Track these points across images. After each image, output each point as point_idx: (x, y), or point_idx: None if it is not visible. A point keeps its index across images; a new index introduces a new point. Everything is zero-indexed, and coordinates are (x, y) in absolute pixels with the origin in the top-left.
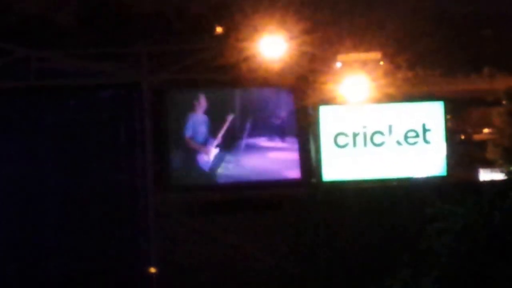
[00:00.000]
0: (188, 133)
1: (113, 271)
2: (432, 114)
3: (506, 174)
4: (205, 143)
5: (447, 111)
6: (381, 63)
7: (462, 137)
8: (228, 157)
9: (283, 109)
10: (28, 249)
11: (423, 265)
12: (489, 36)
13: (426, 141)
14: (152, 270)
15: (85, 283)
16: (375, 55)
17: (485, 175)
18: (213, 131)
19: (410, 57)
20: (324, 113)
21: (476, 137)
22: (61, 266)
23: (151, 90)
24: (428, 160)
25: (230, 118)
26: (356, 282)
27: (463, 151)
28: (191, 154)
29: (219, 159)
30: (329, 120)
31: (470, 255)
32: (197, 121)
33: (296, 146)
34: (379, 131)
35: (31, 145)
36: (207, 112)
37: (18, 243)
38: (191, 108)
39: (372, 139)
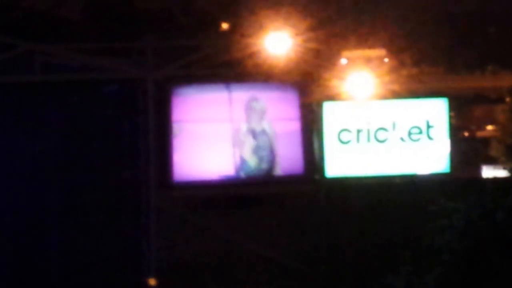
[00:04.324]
0: None
1: (113, 268)
2: (436, 111)
3: (509, 171)
4: None
5: (451, 108)
6: (386, 60)
7: (466, 134)
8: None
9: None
10: (28, 245)
11: (426, 262)
12: (493, 34)
13: (429, 138)
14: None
15: (85, 279)
16: (380, 52)
17: (488, 172)
18: None
19: (415, 54)
20: (328, 109)
21: (480, 134)
22: (61, 261)
23: (156, 86)
24: (432, 156)
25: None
26: (359, 277)
27: (467, 148)
28: None
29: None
30: (333, 116)
31: (473, 252)
32: None
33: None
34: (382, 128)
35: (34, 139)
36: None
37: (19, 238)
38: None
39: (376, 135)
